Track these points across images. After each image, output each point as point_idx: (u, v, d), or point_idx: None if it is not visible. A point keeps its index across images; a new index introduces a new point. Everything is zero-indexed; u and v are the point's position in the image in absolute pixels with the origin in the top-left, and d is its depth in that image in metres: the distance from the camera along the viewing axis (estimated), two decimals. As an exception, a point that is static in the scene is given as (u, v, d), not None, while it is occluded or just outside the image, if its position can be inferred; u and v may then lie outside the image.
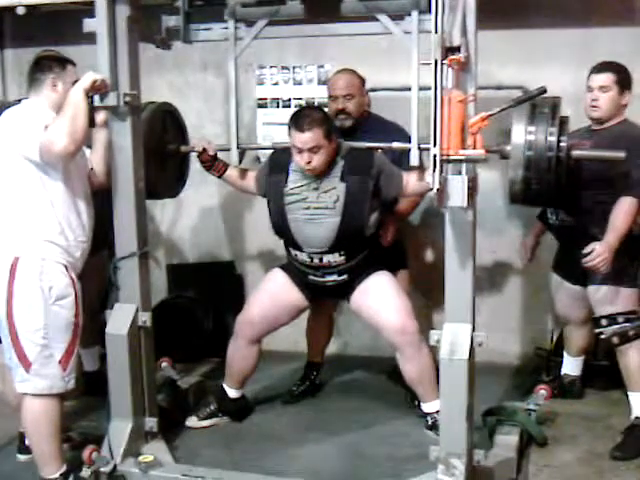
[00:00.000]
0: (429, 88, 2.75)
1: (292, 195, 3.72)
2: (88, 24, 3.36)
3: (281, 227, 3.78)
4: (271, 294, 3.96)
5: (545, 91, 3.06)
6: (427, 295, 4.83)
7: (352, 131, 4.02)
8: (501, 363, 4.81)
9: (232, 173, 3.98)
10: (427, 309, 4.89)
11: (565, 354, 4.38)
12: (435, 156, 2.75)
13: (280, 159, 3.84)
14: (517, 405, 3.87)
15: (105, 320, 3.57)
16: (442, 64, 2.74)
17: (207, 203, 5.40)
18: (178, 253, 5.55)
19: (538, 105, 3.10)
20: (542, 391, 3.96)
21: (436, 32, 2.72)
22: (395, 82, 4.50)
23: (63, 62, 3.37)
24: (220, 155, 3.96)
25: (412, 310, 3.80)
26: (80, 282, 3.37)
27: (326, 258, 3.73)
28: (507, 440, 3.60)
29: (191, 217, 5.48)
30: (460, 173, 2.88)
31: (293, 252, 3.82)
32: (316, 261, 3.75)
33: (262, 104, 5.12)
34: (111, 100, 3.33)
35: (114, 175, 3.48)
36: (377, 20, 3.44)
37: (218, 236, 5.46)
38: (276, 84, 5.09)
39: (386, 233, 4.01)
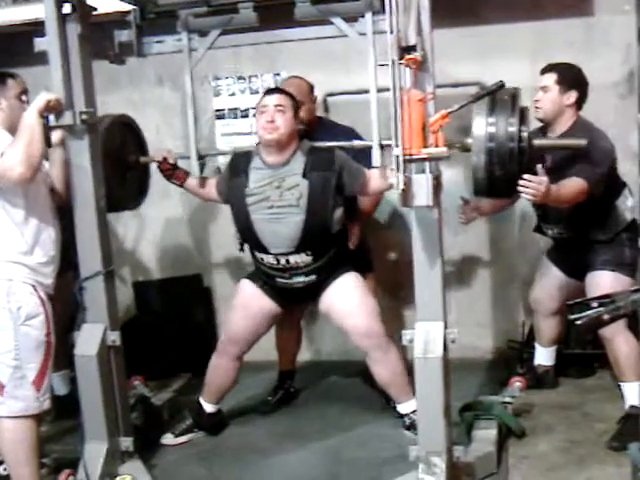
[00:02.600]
0: (387, 89, 2.74)
1: (254, 195, 3.68)
2: (39, 43, 3.31)
3: (245, 229, 3.74)
4: (244, 308, 3.92)
5: (503, 86, 3.08)
6: (397, 295, 4.83)
7: (304, 137, 4.00)
8: (474, 358, 4.83)
9: (193, 181, 3.95)
10: (397, 309, 4.89)
11: (537, 345, 4.40)
12: (398, 156, 2.74)
13: (240, 162, 3.82)
14: (493, 399, 3.87)
15: (73, 342, 3.52)
16: (399, 64, 2.74)
17: (170, 218, 5.37)
18: (144, 270, 5.50)
19: (497, 96, 3.12)
20: (517, 383, 4.00)
21: (391, 32, 2.71)
22: (351, 85, 4.52)
23: (1, 77, 3.31)
24: (181, 165, 3.93)
25: (378, 312, 3.80)
26: (50, 302, 3.33)
27: (293, 259, 3.68)
28: (486, 434, 3.61)
29: (155, 233, 5.44)
30: (424, 172, 2.88)
31: (259, 255, 3.77)
32: (283, 262, 3.70)
33: (220, 115, 5.09)
34: (67, 119, 3.28)
35: (74, 194, 3.44)
36: (331, 23, 3.44)
37: (183, 250, 5.42)
38: (233, 94, 5.07)
39: (351, 236, 4.00)
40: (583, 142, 3.38)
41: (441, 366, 3.10)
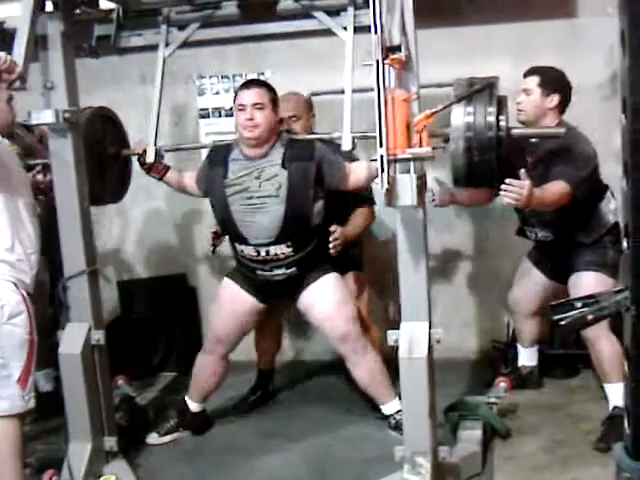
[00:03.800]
0: (371, 89, 2.73)
1: (234, 186, 3.66)
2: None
3: (225, 220, 3.72)
4: (227, 308, 3.91)
5: (487, 87, 3.08)
6: (385, 295, 4.82)
7: None
8: (459, 358, 4.83)
9: (173, 175, 3.95)
10: (385, 309, 4.89)
11: (519, 346, 4.41)
12: (382, 156, 2.73)
13: (218, 153, 3.81)
14: (478, 399, 3.88)
15: (57, 341, 3.50)
16: (383, 64, 2.73)
17: (155, 218, 5.35)
18: (128, 269, 5.48)
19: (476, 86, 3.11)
20: (502, 383, 4.01)
21: (376, 32, 2.70)
22: (336, 86, 4.49)
23: None
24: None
25: (355, 316, 3.81)
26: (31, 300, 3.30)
27: (273, 250, 3.66)
28: (471, 435, 3.61)
29: (139, 233, 5.42)
30: (408, 172, 2.88)
31: (239, 247, 3.74)
32: (263, 254, 3.67)
33: (204, 114, 5.08)
34: (49, 117, 3.25)
35: (57, 194, 3.42)
36: (314, 17, 3.44)
37: (168, 250, 5.40)
38: (217, 93, 5.05)
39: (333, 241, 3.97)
40: (561, 131, 3.40)
41: (426, 366, 3.09)
